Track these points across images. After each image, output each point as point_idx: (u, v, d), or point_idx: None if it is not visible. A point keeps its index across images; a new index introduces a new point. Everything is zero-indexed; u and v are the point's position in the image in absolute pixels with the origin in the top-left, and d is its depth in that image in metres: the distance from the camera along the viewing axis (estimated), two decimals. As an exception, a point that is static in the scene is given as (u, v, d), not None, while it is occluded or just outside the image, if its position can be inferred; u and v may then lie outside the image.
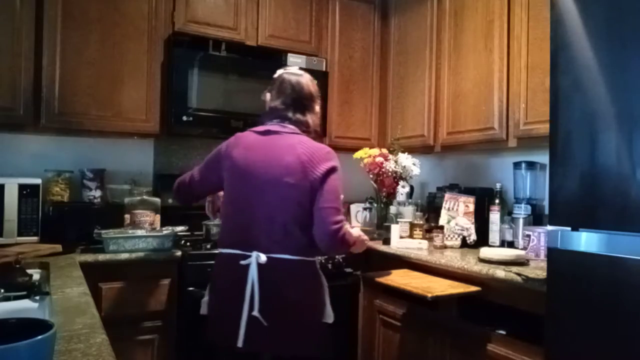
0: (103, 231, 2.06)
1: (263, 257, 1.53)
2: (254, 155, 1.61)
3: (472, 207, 2.36)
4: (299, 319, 1.57)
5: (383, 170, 2.69)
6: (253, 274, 1.53)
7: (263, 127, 1.68)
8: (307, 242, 1.57)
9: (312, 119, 1.72)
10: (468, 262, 1.90)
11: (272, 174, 1.56)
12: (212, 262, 2.10)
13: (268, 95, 1.75)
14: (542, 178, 2.25)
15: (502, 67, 2.20)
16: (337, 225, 1.54)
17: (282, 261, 1.54)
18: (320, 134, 1.75)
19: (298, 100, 1.69)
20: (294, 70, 1.76)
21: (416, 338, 2.10)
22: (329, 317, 1.65)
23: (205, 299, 1.69)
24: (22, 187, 2.08)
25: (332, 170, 1.58)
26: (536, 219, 2.22)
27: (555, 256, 1.43)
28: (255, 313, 1.51)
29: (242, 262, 1.55)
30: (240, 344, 1.52)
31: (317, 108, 1.77)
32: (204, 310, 1.68)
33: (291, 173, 1.55)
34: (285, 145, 1.60)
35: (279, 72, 1.76)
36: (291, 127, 1.66)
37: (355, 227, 1.94)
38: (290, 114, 1.67)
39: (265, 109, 1.75)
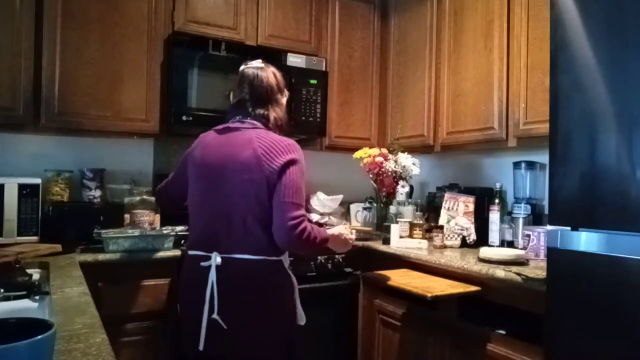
0: (103, 231, 2.06)
1: (219, 259, 1.50)
2: (211, 154, 1.57)
3: (472, 207, 2.36)
4: (261, 322, 1.52)
5: (383, 170, 2.69)
6: (213, 276, 1.50)
7: (223, 126, 1.64)
8: (270, 240, 1.51)
9: (275, 113, 1.64)
10: (468, 262, 1.90)
11: (228, 172, 1.51)
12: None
13: (232, 93, 1.73)
14: (542, 178, 2.25)
15: (502, 67, 2.20)
16: (294, 221, 1.46)
17: (241, 262, 1.50)
18: (285, 128, 1.68)
19: (257, 95, 1.62)
20: (255, 64, 1.68)
21: (416, 338, 2.10)
22: (300, 319, 1.62)
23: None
24: (22, 187, 2.08)
25: (291, 163, 1.51)
26: (536, 219, 2.22)
27: (555, 256, 1.43)
28: (215, 316, 1.48)
29: (203, 264, 1.52)
30: (201, 347, 1.50)
31: (283, 101, 1.71)
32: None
33: (247, 169, 1.49)
34: (242, 141, 1.54)
35: (241, 67, 1.69)
36: (251, 123, 1.60)
37: (342, 225, 1.89)
38: (250, 109, 1.61)
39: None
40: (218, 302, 1.48)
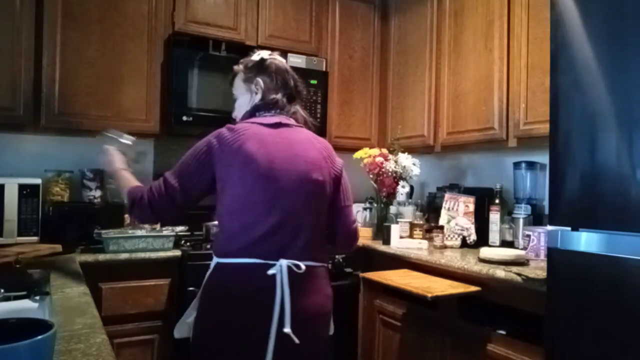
0: (103, 231, 2.06)
1: (302, 266, 1.33)
2: (274, 150, 1.38)
3: (472, 207, 2.36)
4: (324, 334, 1.44)
5: (383, 170, 2.69)
6: (284, 285, 1.31)
7: (271, 119, 1.45)
8: (324, 247, 1.48)
9: (304, 111, 1.60)
10: (468, 262, 1.90)
11: (299, 171, 1.38)
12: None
13: (261, 82, 1.51)
14: (542, 178, 2.25)
15: (502, 67, 2.20)
16: (356, 224, 1.54)
17: (310, 269, 1.37)
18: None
19: (296, 90, 1.55)
20: (277, 56, 1.58)
21: (416, 338, 2.10)
22: (331, 328, 1.52)
23: (188, 321, 1.43)
24: (22, 187, 2.08)
25: (342, 165, 1.55)
26: (536, 219, 2.22)
27: (555, 256, 1.43)
28: (287, 330, 1.29)
29: (270, 272, 1.31)
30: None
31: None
32: (184, 333, 1.45)
33: (318, 169, 1.42)
34: (302, 139, 1.46)
35: (264, 55, 1.55)
36: (293, 120, 1.52)
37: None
38: (292, 106, 1.54)
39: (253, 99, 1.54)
40: (291, 314, 1.30)
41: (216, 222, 2.37)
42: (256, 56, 1.55)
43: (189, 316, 1.44)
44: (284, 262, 1.32)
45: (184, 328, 1.45)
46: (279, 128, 1.44)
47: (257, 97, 1.51)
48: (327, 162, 1.46)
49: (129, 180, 1.55)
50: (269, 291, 1.30)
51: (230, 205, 1.38)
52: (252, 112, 1.50)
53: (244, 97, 1.56)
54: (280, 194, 1.35)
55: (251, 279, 1.33)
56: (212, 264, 1.41)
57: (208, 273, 1.42)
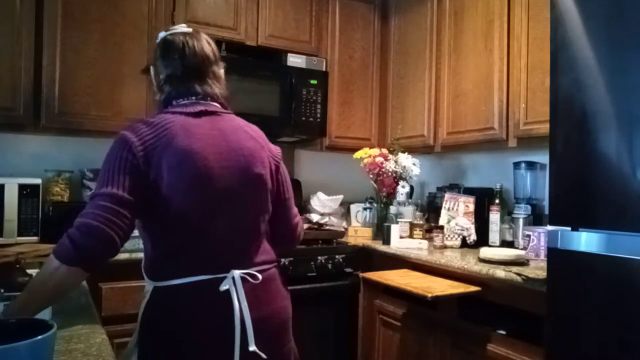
0: (103, 231, 2.06)
1: (258, 275, 1.18)
2: (207, 145, 1.16)
3: (472, 207, 2.36)
4: (289, 339, 1.31)
5: (383, 170, 2.69)
6: (240, 299, 1.14)
7: (192, 108, 1.21)
8: (272, 243, 1.33)
9: (222, 90, 1.33)
10: (468, 262, 1.90)
11: (239, 167, 1.19)
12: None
13: (151, 67, 1.31)
14: (542, 178, 2.25)
15: (502, 67, 2.20)
16: (297, 218, 1.38)
17: (264, 274, 1.21)
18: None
19: (209, 68, 1.30)
20: (182, 29, 1.30)
21: (416, 338, 2.10)
22: None
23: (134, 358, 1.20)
24: (22, 187, 2.08)
25: (280, 154, 1.36)
26: (536, 219, 2.22)
27: (555, 256, 1.43)
28: (252, 347, 1.14)
29: (224, 287, 1.13)
30: None
31: (221, 73, 1.36)
32: None
33: (258, 161, 1.23)
34: (235, 127, 1.25)
35: (161, 34, 1.31)
36: (218, 105, 1.28)
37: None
38: (202, 87, 1.26)
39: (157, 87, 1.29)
40: (254, 329, 1.15)
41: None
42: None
43: (130, 356, 1.20)
44: (236, 273, 1.15)
45: None
46: (204, 117, 1.21)
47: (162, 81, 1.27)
48: (265, 151, 1.27)
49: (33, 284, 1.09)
50: (225, 310, 1.13)
51: (165, 217, 1.14)
52: (168, 100, 1.25)
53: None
54: (222, 196, 1.16)
55: (201, 301, 1.13)
56: (147, 289, 1.20)
57: (143, 303, 1.21)
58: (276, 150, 1.34)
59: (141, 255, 2.13)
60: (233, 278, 1.15)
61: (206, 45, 1.29)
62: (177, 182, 1.11)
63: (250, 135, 1.26)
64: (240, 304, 1.14)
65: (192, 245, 1.15)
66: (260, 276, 1.18)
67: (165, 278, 1.16)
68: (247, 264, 1.19)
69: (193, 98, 1.24)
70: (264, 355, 1.16)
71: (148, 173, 1.10)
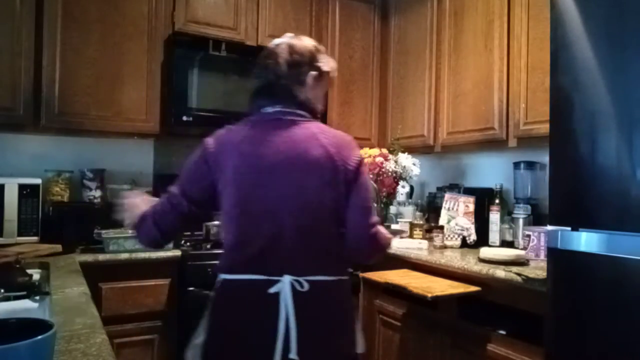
0: (103, 231, 2.06)
1: (305, 283, 1.20)
2: (268, 151, 1.25)
3: (472, 207, 2.36)
4: (342, 354, 1.28)
5: (383, 170, 2.69)
6: (287, 304, 1.18)
7: (265, 115, 1.31)
8: (341, 256, 1.30)
9: (316, 99, 1.37)
10: (468, 262, 1.90)
11: (298, 174, 1.24)
12: (212, 262, 2.11)
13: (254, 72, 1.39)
14: (542, 178, 2.25)
15: (502, 67, 2.20)
16: (374, 228, 1.28)
17: (320, 284, 1.22)
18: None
19: (296, 75, 1.33)
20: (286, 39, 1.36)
21: (416, 338, 2.10)
22: (360, 345, 1.34)
23: (199, 341, 1.28)
24: (22, 187, 2.08)
25: (362, 161, 1.31)
26: (536, 219, 2.22)
27: (555, 256, 1.43)
28: (293, 356, 1.17)
29: (272, 290, 1.19)
30: None
31: (304, 77, 1.34)
32: (194, 357, 1.28)
33: (320, 170, 1.24)
34: (307, 135, 1.27)
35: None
36: (296, 112, 1.31)
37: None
38: (291, 95, 1.31)
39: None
40: (297, 338, 1.17)
41: (217, 222, 2.40)
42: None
43: (198, 337, 1.30)
44: (287, 279, 1.19)
45: (195, 351, 1.28)
46: (276, 124, 1.29)
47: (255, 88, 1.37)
48: (335, 159, 1.25)
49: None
50: (271, 313, 1.18)
51: (227, 214, 1.28)
52: (255, 107, 1.35)
53: None
54: (275, 201, 1.23)
55: (253, 299, 1.22)
56: (218, 279, 1.29)
57: (213, 290, 1.31)
58: (354, 158, 1.29)
59: (141, 255, 2.15)
60: (284, 282, 1.19)
61: (293, 54, 1.33)
62: (233, 183, 1.24)
63: (320, 144, 1.26)
64: (287, 309, 1.18)
65: (247, 244, 1.23)
66: (306, 285, 1.20)
67: (226, 271, 1.26)
68: (300, 270, 1.21)
69: (278, 107, 1.30)
70: None
71: (214, 173, 1.27)
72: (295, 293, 1.19)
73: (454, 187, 2.67)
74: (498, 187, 2.35)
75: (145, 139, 2.62)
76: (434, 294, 1.72)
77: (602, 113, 1.32)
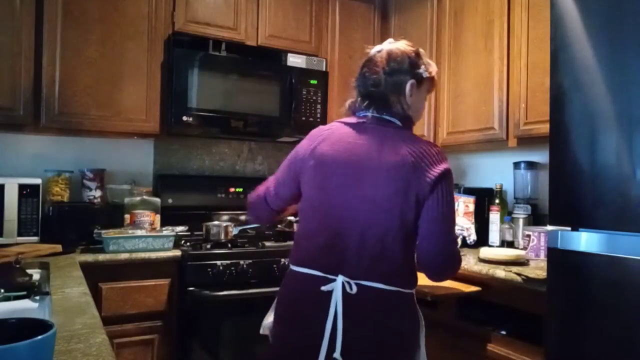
0: (103, 231, 2.06)
1: (354, 286, 1.21)
2: (345, 152, 1.28)
3: (472, 207, 2.36)
4: None
5: (383, 170, 2.68)
6: (337, 304, 1.21)
7: (356, 119, 1.36)
8: (407, 268, 1.27)
9: (408, 106, 1.36)
10: (468, 262, 1.90)
11: (368, 177, 1.25)
12: (212, 262, 2.12)
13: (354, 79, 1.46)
14: (542, 178, 2.25)
15: (502, 67, 2.20)
16: (449, 247, 1.26)
17: (373, 291, 1.22)
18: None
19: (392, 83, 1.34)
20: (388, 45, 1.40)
21: (416, 338, 2.10)
22: None
23: (268, 321, 1.39)
24: (22, 187, 2.08)
25: (445, 175, 1.25)
26: (536, 219, 2.22)
27: (555, 256, 1.43)
28: (337, 355, 1.19)
29: (325, 288, 1.23)
30: None
31: (403, 86, 1.34)
32: (264, 331, 1.41)
33: (394, 176, 1.23)
34: (386, 141, 1.28)
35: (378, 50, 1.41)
36: (390, 119, 1.33)
37: None
38: (384, 102, 1.33)
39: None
40: (342, 339, 1.20)
41: (216, 222, 2.40)
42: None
43: (269, 316, 1.41)
44: (340, 279, 1.22)
45: (264, 327, 1.41)
46: (361, 129, 1.31)
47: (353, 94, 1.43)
48: (411, 169, 1.23)
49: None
50: (323, 310, 1.22)
51: (300, 210, 1.38)
52: (349, 111, 1.42)
53: None
54: (345, 201, 1.25)
55: (307, 292, 1.27)
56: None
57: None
58: (433, 172, 1.24)
59: (141, 255, 2.15)
60: (337, 282, 1.23)
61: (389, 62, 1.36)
62: (308, 181, 1.33)
63: (400, 152, 1.25)
64: (336, 309, 1.21)
65: (311, 240, 1.30)
66: (355, 288, 1.21)
67: (292, 262, 1.35)
68: (355, 273, 1.23)
69: (369, 113, 1.34)
70: None
71: (300, 169, 1.36)
72: (345, 295, 1.21)
73: (454, 187, 2.67)
74: (498, 187, 2.35)
75: (145, 139, 2.62)
76: (434, 294, 1.72)
77: (602, 113, 1.32)
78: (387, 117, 1.33)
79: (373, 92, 1.34)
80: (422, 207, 1.23)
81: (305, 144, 1.39)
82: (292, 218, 2.64)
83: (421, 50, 1.41)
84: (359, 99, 1.39)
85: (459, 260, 1.33)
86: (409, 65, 1.35)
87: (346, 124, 1.36)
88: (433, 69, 1.42)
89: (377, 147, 1.27)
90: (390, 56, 1.35)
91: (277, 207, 1.50)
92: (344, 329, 1.20)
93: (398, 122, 1.33)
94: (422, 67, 1.37)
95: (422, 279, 2.00)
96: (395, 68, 1.34)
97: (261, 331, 1.42)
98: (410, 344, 1.29)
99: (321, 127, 1.42)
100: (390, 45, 1.39)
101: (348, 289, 1.21)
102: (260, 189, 1.51)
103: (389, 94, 1.33)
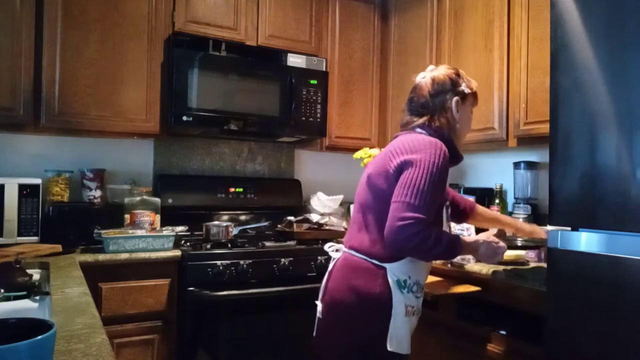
0: (103, 231, 2.06)
1: (338, 253, 1.56)
2: (374, 160, 1.61)
3: (472, 207, 2.36)
4: (340, 324, 1.46)
5: (383, 170, 2.69)
6: (330, 265, 1.56)
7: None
8: (379, 244, 1.42)
9: (436, 120, 1.55)
10: (468, 262, 1.90)
11: (368, 172, 1.55)
12: (212, 262, 2.12)
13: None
14: (542, 178, 2.25)
15: (502, 67, 2.20)
16: (402, 222, 1.32)
17: (347, 257, 1.50)
18: (446, 134, 1.55)
19: (415, 103, 1.61)
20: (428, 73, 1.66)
21: (416, 338, 2.09)
22: (393, 343, 1.42)
23: None
24: (22, 187, 2.08)
25: (413, 161, 1.39)
26: (536, 219, 2.22)
27: (555, 256, 1.43)
28: (317, 302, 1.55)
29: (333, 255, 1.59)
30: (314, 333, 1.57)
31: (449, 104, 1.56)
32: None
33: (378, 167, 1.49)
34: (392, 143, 1.54)
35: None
36: (420, 130, 1.54)
37: (489, 232, 1.61)
38: (409, 118, 1.61)
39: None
40: (323, 290, 1.55)
41: (216, 222, 2.40)
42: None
43: None
44: (338, 247, 1.59)
45: None
46: (394, 139, 1.59)
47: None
48: (390, 157, 1.46)
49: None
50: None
51: None
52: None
53: None
54: (358, 195, 1.57)
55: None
56: None
57: None
58: (402, 157, 1.42)
59: (141, 255, 2.15)
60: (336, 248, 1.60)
61: (429, 81, 1.61)
62: None
63: (393, 144, 1.50)
64: (330, 268, 1.57)
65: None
66: (337, 254, 1.56)
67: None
68: (346, 242, 1.55)
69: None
70: (319, 314, 1.54)
71: None
72: (337, 259, 1.54)
73: (454, 187, 2.67)
74: (498, 187, 2.35)
75: (145, 139, 2.63)
76: (434, 294, 1.72)
77: (602, 113, 1.32)
78: (418, 129, 1.54)
79: (422, 113, 1.56)
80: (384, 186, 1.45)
81: None
82: (292, 218, 2.64)
83: (461, 70, 1.63)
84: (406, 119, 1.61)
85: (406, 241, 1.33)
86: (451, 85, 1.56)
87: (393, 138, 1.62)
88: (473, 84, 1.63)
89: (386, 148, 1.54)
90: (434, 80, 1.58)
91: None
92: (326, 284, 1.53)
93: (424, 132, 1.52)
94: (464, 84, 1.58)
95: (422, 279, 1.99)
96: (439, 90, 1.56)
97: None
98: (379, 308, 1.41)
99: None
100: (432, 72, 1.61)
101: (336, 254, 1.55)
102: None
103: (436, 113, 1.54)
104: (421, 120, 1.55)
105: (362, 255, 1.45)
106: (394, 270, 1.41)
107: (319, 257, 2.37)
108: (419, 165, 1.38)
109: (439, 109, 1.54)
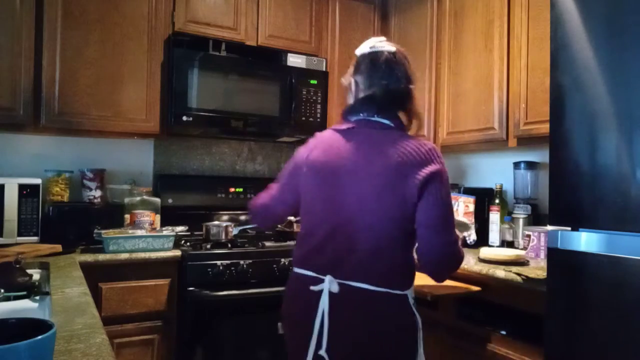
0: (103, 231, 2.06)
1: (335, 286, 1.24)
2: (335, 158, 1.31)
3: (472, 207, 2.36)
4: None
5: (383, 170, 2.68)
6: (324, 304, 1.25)
7: (346, 125, 1.36)
8: (399, 269, 1.26)
9: (410, 109, 1.37)
10: (468, 262, 1.90)
11: (357, 181, 1.26)
12: (212, 262, 2.12)
13: (352, 80, 1.39)
14: (542, 178, 2.25)
15: (502, 67, 2.20)
16: (449, 248, 1.25)
17: (359, 292, 1.23)
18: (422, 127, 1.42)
19: (393, 88, 1.33)
20: (385, 45, 1.37)
21: (416, 338, 2.10)
22: None
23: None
24: (22, 187, 2.08)
25: (434, 177, 1.23)
26: (536, 219, 2.22)
27: (555, 256, 1.43)
28: (322, 353, 1.24)
29: (313, 288, 1.27)
30: None
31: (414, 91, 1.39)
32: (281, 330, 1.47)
33: (383, 179, 1.24)
34: (375, 144, 1.29)
35: (368, 48, 1.37)
36: (380, 122, 1.33)
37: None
38: (380, 105, 1.33)
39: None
40: (327, 337, 1.24)
41: (216, 223, 2.40)
42: (365, 46, 1.38)
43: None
44: (328, 279, 1.25)
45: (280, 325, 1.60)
46: (351, 133, 1.33)
47: (350, 99, 1.41)
48: (394, 170, 1.23)
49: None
50: (313, 309, 1.26)
51: (301, 212, 1.41)
52: (345, 115, 1.39)
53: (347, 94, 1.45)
54: (334, 204, 1.28)
55: (300, 292, 1.32)
56: None
57: None
58: (424, 172, 1.23)
59: (141, 255, 2.15)
60: (326, 282, 1.26)
61: (406, 62, 1.38)
62: (303, 187, 1.38)
63: (396, 153, 1.25)
64: (324, 308, 1.25)
65: (306, 241, 1.35)
66: (337, 287, 1.25)
67: (293, 263, 1.40)
68: (341, 273, 1.25)
69: (361, 115, 1.35)
70: None
71: (297, 176, 1.39)
72: (332, 295, 1.25)
73: (454, 187, 2.67)
74: (498, 187, 2.35)
75: (145, 139, 2.63)
76: (434, 294, 1.72)
77: (602, 113, 1.32)
78: (381, 120, 1.34)
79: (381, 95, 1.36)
80: (413, 209, 1.23)
81: (301, 151, 1.43)
82: (292, 218, 2.64)
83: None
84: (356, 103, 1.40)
85: (457, 260, 1.32)
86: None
87: (339, 129, 1.38)
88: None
89: (366, 149, 1.30)
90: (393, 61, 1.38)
91: (283, 212, 1.53)
92: (331, 329, 1.24)
93: (392, 124, 1.34)
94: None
95: (422, 279, 2.00)
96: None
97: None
98: (405, 347, 1.27)
99: (316, 133, 1.46)
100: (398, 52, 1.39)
101: (332, 289, 1.25)
102: (264, 196, 1.52)
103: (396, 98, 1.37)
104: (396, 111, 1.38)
105: (380, 288, 1.23)
106: (410, 293, 1.29)
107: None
108: (444, 177, 1.27)
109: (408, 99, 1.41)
